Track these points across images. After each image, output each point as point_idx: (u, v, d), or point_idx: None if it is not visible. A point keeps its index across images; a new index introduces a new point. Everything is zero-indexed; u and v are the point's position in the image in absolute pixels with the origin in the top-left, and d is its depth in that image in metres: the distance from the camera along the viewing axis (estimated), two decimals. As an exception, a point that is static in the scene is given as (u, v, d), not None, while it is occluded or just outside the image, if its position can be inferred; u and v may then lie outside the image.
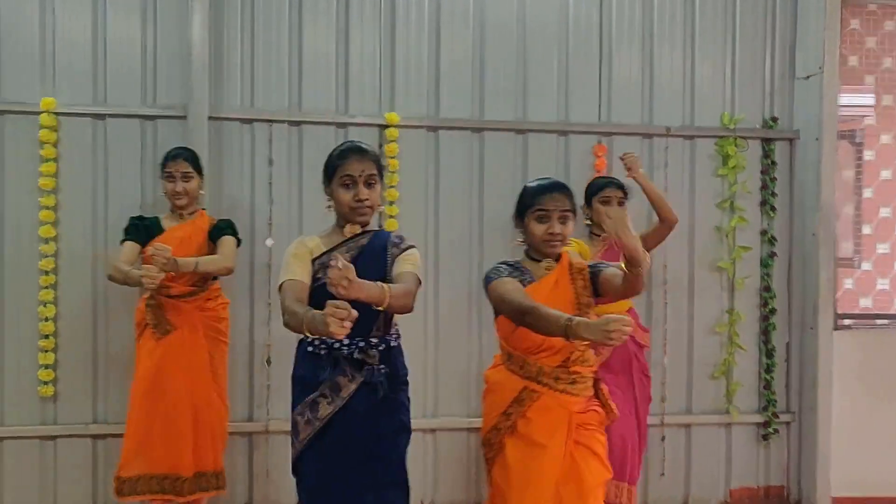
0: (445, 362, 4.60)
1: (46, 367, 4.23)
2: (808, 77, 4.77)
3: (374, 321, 2.79)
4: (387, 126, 4.49)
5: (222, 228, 3.99)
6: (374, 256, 2.82)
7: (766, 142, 4.86)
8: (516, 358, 2.83)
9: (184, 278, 3.85)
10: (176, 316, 3.86)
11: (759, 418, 4.84)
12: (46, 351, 4.23)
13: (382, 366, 2.81)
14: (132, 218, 3.98)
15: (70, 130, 4.28)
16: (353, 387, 2.77)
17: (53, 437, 4.26)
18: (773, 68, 4.89)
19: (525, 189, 2.95)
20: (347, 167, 2.77)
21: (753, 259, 4.85)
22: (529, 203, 2.86)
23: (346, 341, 2.74)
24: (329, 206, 2.91)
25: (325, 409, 2.79)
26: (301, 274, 2.75)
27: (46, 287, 4.22)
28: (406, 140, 4.53)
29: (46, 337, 4.23)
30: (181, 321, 3.86)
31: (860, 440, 4.73)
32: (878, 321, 4.98)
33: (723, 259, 4.81)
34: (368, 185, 2.79)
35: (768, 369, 4.84)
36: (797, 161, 4.85)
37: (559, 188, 2.87)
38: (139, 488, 3.84)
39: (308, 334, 2.58)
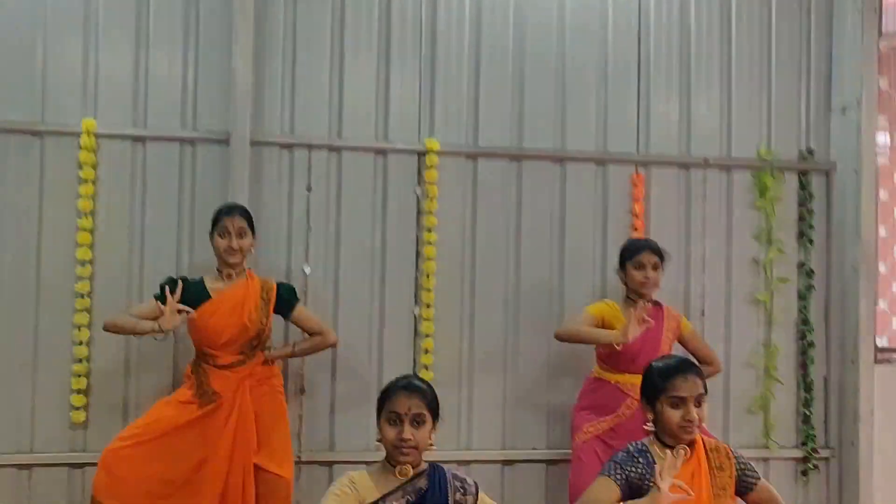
0: (480, 391, 4.54)
1: (79, 391, 4.15)
2: (844, 109, 4.78)
3: None
4: (426, 153, 4.47)
5: (288, 299, 3.87)
6: (436, 502, 2.66)
7: (803, 174, 4.86)
8: None
9: (231, 347, 3.72)
10: (222, 385, 3.69)
11: (797, 453, 4.77)
12: (80, 375, 4.15)
13: None
14: (169, 278, 3.83)
15: (110, 153, 4.25)
16: None
17: (83, 465, 4.16)
18: (808, 100, 4.91)
19: (652, 371, 2.76)
20: (395, 403, 2.63)
21: (791, 291, 4.81)
22: (661, 387, 2.68)
23: None
24: (379, 440, 2.70)
25: None
26: None
27: (82, 310, 4.16)
28: (445, 167, 4.52)
29: (80, 361, 4.16)
30: (227, 390, 3.69)
31: (902, 476, 4.66)
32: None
33: (760, 291, 4.77)
34: (415, 423, 2.63)
35: (806, 403, 4.78)
36: (834, 193, 4.84)
37: (692, 370, 2.72)
38: None
39: None
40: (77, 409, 4.15)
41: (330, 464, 4.36)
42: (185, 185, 4.31)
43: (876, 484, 4.62)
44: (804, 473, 4.77)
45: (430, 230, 4.45)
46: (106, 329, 3.76)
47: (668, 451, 2.65)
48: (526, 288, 4.59)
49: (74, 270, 4.17)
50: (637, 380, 3.79)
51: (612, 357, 4.00)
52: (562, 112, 4.67)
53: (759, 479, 2.75)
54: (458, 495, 2.68)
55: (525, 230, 4.60)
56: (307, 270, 4.39)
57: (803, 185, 4.85)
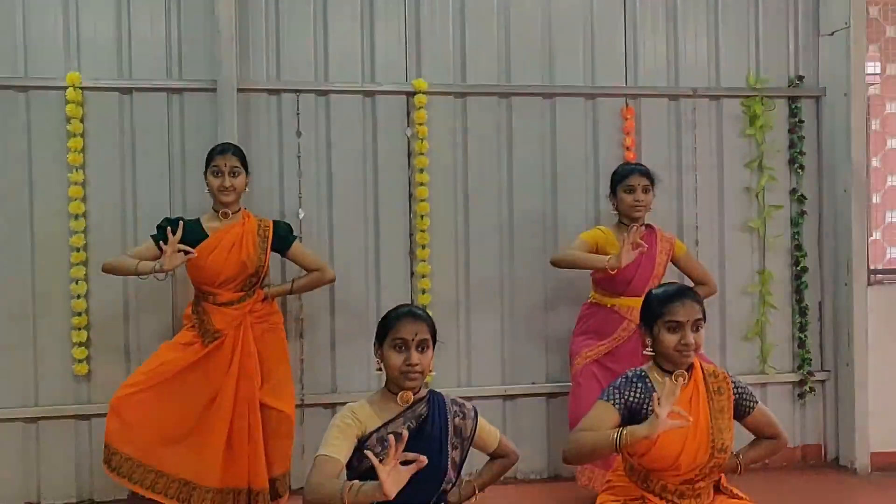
0: (478, 329, 4.58)
1: (80, 344, 4.18)
2: (833, 33, 4.75)
3: (432, 495, 2.64)
4: (414, 93, 4.46)
5: (284, 237, 3.88)
6: (436, 426, 2.66)
7: (793, 100, 4.85)
8: (638, 471, 2.72)
9: (231, 284, 3.76)
10: (223, 323, 3.73)
11: (794, 377, 4.83)
12: (80, 328, 4.18)
13: None
14: (166, 219, 3.83)
15: (96, 105, 4.24)
16: None
17: (88, 417, 4.21)
18: (797, 26, 4.88)
19: (651, 297, 2.78)
20: (401, 329, 2.63)
21: (783, 218, 4.84)
22: (659, 312, 2.69)
23: None
24: (379, 370, 2.72)
25: None
26: (340, 451, 2.53)
27: (78, 264, 4.17)
28: (434, 107, 4.50)
29: (79, 314, 4.18)
30: (229, 327, 3.73)
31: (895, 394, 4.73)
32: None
33: (753, 219, 4.79)
34: (420, 349, 2.64)
35: (802, 328, 4.82)
36: (824, 118, 4.83)
37: (689, 295, 2.72)
38: (135, 476, 3.65)
39: None
40: (79, 361, 4.19)
41: (332, 406, 4.40)
42: (174, 134, 4.30)
43: (871, 403, 4.68)
44: (801, 396, 4.83)
45: (421, 171, 4.45)
46: (105, 271, 3.77)
47: (666, 377, 2.68)
48: (519, 224, 4.61)
49: (68, 224, 4.18)
50: (633, 303, 3.86)
51: (607, 281, 4.04)
52: (549, 47, 4.65)
53: (756, 403, 2.78)
54: (457, 419, 2.71)
55: (516, 167, 4.60)
56: (301, 215, 4.40)
57: (793, 112, 4.84)
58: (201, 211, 3.98)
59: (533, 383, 4.62)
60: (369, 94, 4.47)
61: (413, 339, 2.61)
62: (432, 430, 2.63)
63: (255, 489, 3.71)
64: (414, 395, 2.66)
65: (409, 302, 4.46)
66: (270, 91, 4.39)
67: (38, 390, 4.21)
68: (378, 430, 2.60)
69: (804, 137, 4.83)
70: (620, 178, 4.09)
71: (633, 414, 2.64)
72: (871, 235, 4.87)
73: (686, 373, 2.68)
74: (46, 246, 4.19)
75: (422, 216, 4.46)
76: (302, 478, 4.25)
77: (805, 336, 4.82)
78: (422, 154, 4.45)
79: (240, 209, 3.87)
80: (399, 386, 2.65)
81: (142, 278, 3.73)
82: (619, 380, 2.74)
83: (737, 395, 2.73)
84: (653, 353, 2.74)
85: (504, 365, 4.60)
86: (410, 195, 4.50)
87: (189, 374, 3.70)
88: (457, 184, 4.57)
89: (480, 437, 2.76)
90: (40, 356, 4.20)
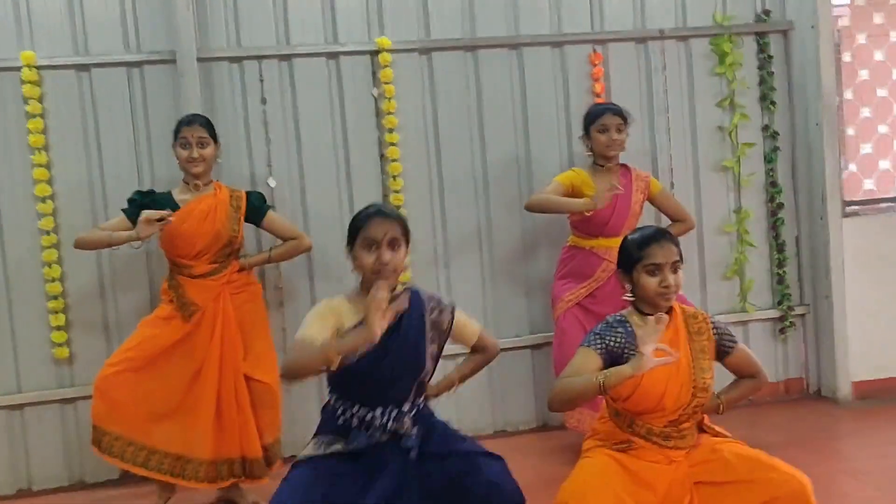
0: (458, 283, 4.57)
1: (58, 328, 4.14)
2: (797, -35, 4.71)
3: (409, 389, 2.64)
4: (378, 52, 4.38)
5: (259, 206, 3.82)
6: (412, 321, 2.64)
7: (760, 36, 4.81)
8: (624, 416, 2.71)
9: (205, 256, 3.70)
10: (200, 296, 3.69)
11: (774, 313, 4.87)
12: (56, 312, 4.14)
13: (415, 429, 2.64)
14: (138, 192, 3.75)
15: (54, 84, 4.15)
16: (373, 441, 2.61)
17: (73, 400, 4.19)
18: (761, -41, 4.83)
19: (628, 242, 2.76)
20: (371, 229, 2.59)
21: (757, 155, 4.83)
22: (637, 256, 2.68)
23: (380, 411, 2.60)
24: (353, 270, 2.68)
25: (340, 446, 2.61)
26: (320, 334, 2.49)
27: (49, 247, 4.11)
28: (399, 65, 4.43)
29: (55, 298, 4.14)
30: (206, 300, 3.69)
31: (875, 324, 4.77)
32: (880, 205, 4.98)
33: (727, 158, 4.78)
34: (392, 248, 2.60)
35: (780, 264, 4.85)
36: (794, 52, 4.80)
37: (666, 237, 2.71)
38: (126, 455, 3.62)
39: (334, 360, 2.36)
40: (59, 345, 4.16)
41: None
42: (137, 108, 4.22)
43: (850, 335, 4.73)
44: (782, 332, 4.88)
45: (391, 130, 4.40)
46: (78, 247, 3.67)
47: (647, 319, 2.67)
48: (493, 177, 4.58)
49: (35, 208, 4.11)
50: (611, 243, 3.87)
51: (585, 223, 4.03)
52: (513, -4, 4.57)
53: (736, 343, 2.79)
54: (434, 314, 2.68)
55: (487, 120, 4.56)
56: (272, 184, 4.35)
57: (762, 48, 4.80)
58: (171, 184, 3.90)
59: (517, 336, 4.63)
60: (333, 55, 4.39)
61: (383, 238, 2.57)
62: (409, 324, 2.62)
63: (248, 457, 3.71)
64: (391, 291, 2.61)
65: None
66: (232, 59, 4.30)
67: (20, 377, 4.18)
68: (355, 326, 2.55)
69: (774, 73, 4.80)
70: (593, 118, 4.04)
71: (615, 359, 2.65)
72: (846, 168, 4.88)
73: (666, 315, 2.68)
74: (15, 231, 4.14)
75: (394, 176, 4.42)
76: (291, 446, 4.32)
77: (784, 272, 4.85)
78: (390, 113, 4.39)
79: (211, 181, 3.81)
80: (372, 284, 2.59)
81: (115, 249, 3.71)
82: (600, 325, 2.74)
83: (717, 337, 2.75)
84: (632, 299, 2.75)
85: (487, 318, 4.58)
86: (382, 156, 4.45)
87: (173, 349, 3.67)
88: (428, 141, 4.52)
89: (458, 330, 2.76)
90: (19, 343, 4.17)
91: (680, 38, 4.73)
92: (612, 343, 2.67)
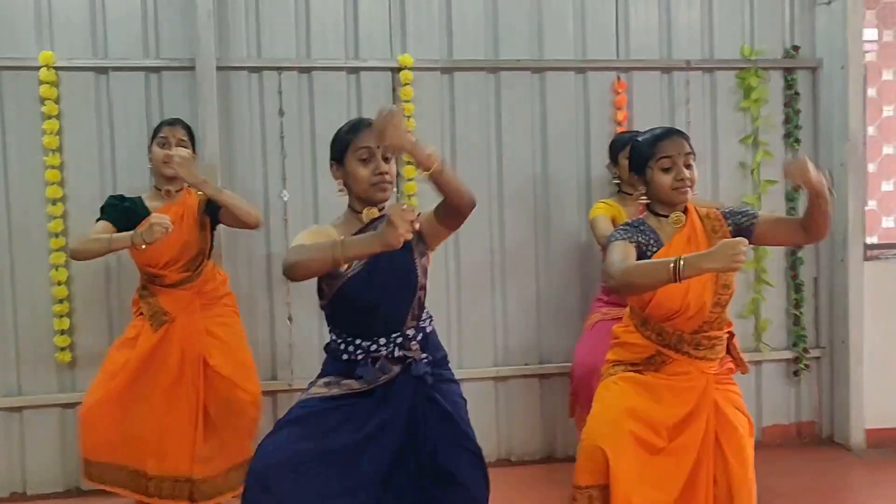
0: (468, 312, 4.50)
1: (62, 332, 4.10)
2: (829, 2, 4.62)
3: (407, 310, 2.54)
4: (400, 69, 4.33)
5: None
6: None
7: (788, 72, 4.73)
8: (652, 324, 2.64)
9: (175, 266, 3.59)
10: (172, 305, 3.59)
11: (789, 355, 4.77)
12: (62, 316, 4.10)
13: (425, 355, 2.55)
14: (111, 197, 3.67)
15: (71, 86, 4.11)
16: (383, 377, 2.50)
17: (73, 405, 4.12)
18: (792, -5, 4.75)
19: (637, 142, 2.72)
20: (364, 139, 2.47)
21: (778, 193, 4.74)
22: (649, 153, 2.64)
23: (383, 340, 2.49)
24: (341, 191, 2.56)
25: (352, 387, 2.50)
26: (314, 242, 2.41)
27: (57, 250, 4.08)
28: (420, 83, 4.38)
29: (61, 301, 4.09)
30: (178, 310, 3.58)
31: (891, 371, 4.67)
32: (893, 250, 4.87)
33: (747, 195, 4.70)
34: (386, 159, 2.50)
35: (797, 305, 4.75)
36: (821, 90, 4.72)
37: (676, 132, 2.69)
38: (120, 480, 3.55)
39: (343, 262, 2.25)
40: (62, 349, 4.11)
41: (321, 390, 4.35)
42: (153, 114, 4.17)
43: (865, 381, 4.63)
44: (796, 374, 4.77)
45: (408, 149, 4.34)
46: (77, 258, 3.53)
47: (663, 220, 2.65)
48: (510, 203, 4.51)
49: (45, 210, 4.07)
50: None
51: None
52: (538, 20, 4.51)
53: (755, 215, 2.65)
54: (417, 226, 2.50)
55: (506, 144, 4.50)
56: (285, 197, 4.30)
57: (789, 84, 4.73)
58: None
59: (526, 364, 4.55)
60: (353, 70, 4.35)
61: (378, 147, 2.45)
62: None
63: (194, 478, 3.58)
64: (379, 211, 2.54)
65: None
66: (251, 69, 4.26)
67: (20, 379, 4.14)
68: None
69: (800, 111, 4.72)
70: (621, 145, 3.94)
71: (640, 256, 2.59)
72: (866, 205, 4.78)
73: (683, 214, 2.65)
74: (24, 232, 4.10)
75: (409, 196, 4.36)
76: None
77: (800, 313, 4.75)
78: (409, 132, 4.32)
79: (182, 187, 3.67)
80: (369, 200, 2.52)
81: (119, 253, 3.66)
82: (623, 226, 2.70)
83: (731, 226, 2.64)
84: (647, 202, 2.70)
85: (496, 345, 4.53)
86: (398, 174, 4.38)
87: (148, 368, 3.54)
88: (445, 162, 4.44)
89: (425, 220, 2.53)
90: (22, 345, 4.13)
91: (706, 69, 4.66)
92: (641, 239, 2.63)
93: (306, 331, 4.35)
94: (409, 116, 4.33)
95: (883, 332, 4.65)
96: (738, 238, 2.27)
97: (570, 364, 4.45)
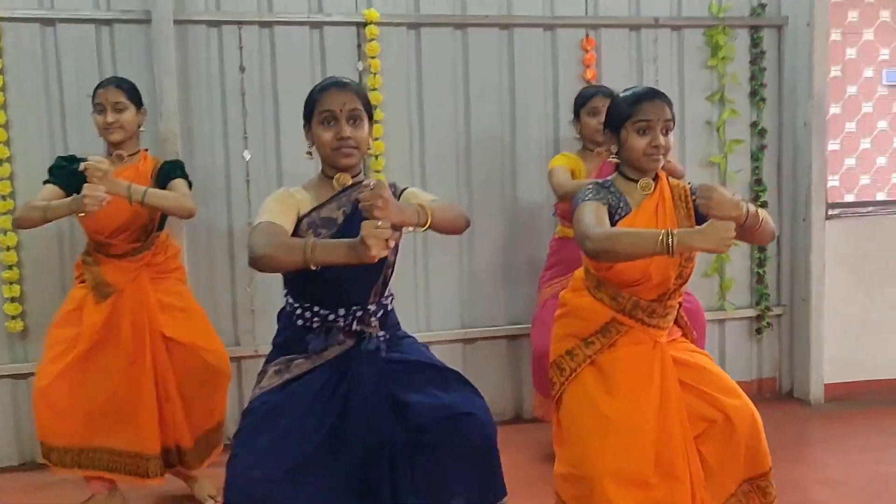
0: (435, 275, 4.43)
1: (12, 300, 3.90)
2: (795, -40, 4.61)
3: (371, 286, 2.44)
4: (365, 24, 4.18)
5: (169, 171, 3.42)
6: None
7: (755, 30, 4.71)
8: (608, 289, 2.57)
9: (124, 234, 3.36)
10: (117, 277, 3.35)
11: (752, 313, 4.83)
12: (11, 283, 3.90)
13: (383, 332, 2.46)
14: (59, 158, 3.41)
15: (15, 38, 3.87)
16: (337, 350, 2.40)
17: (26, 375, 3.95)
18: (759, -48, 4.72)
19: (619, 99, 2.61)
20: (327, 101, 2.36)
21: (744, 152, 4.75)
22: (626, 113, 2.52)
23: (342, 311, 2.39)
24: (309, 153, 2.46)
25: (301, 366, 2.39)
26: (283, 220, 2.29)
27: (4, 213, 3.86)
28: (386, 39, 4.23)
29: (10, 268, 3.89)
30: (124, 282, 3.35)
31: (850, 327, 4.76)
32: (862, 209, 4.94)
33: (714, 153, 4.70)
34: (352, 122, 2.36)
35: (760, 263, 4.80)
36: (786, 49, 4.71)
37: (660, 96, 2.56)
38: (83, 461, 3.35)
39: (313, 265, 2.11)
40: (13, 317, 3.92)
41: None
42: (106, 71, 3.94)
43: (826, 338, 4.72)
44: (758, 332, 4.84)
45: (374, 107, 4.19)
46: (18, 227, 3.30)
47: (632, 185, 2.57)
48: (477, 160, 4.43)
49: (-8, 171, 3.85)
50: None
51: (572, 213, 3.90)
52: (506, -27, 4.40)
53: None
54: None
55: (473, 100, 4.40)
56: (247, 156, 4.14)
57: (755, 43, 4.71)
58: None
59: (493, 325, 4.51)
60: (317, 25, 4.18)
61: (342, 110, 2.34)
62: None
63: (182, 447, 3.46)
64: (353, 177, 2.44)
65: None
66: (210, 23, 4.05)
67: (-31, 350, 3.94)
68: (309, 213, 2.35)
69: (766, 69, 4.72)
70: (584, 100, 3.89)
71: (608, 218, 2.52)
72: (843, 164, 4.84)
73: (652, 181, 2.57)
74: (-31, 195, 3.87)
75: (376, 156, 4.23)
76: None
77: (763, 271, 4.80)
78: (374, 89, 4.19)
79: (138, 151, 3.44)
80: (333, 165, 2.41)
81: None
82: (591, 185, 2.60)
83: (694, 198, 2.56)
84: (617, 161, 2.61)
85: (462, 306, 4.47)
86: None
87: (101, 345, 3.34)
88: (412, 120, 4.34)
89: (409, 200, 2.44)
90: (-31, 313, 3.92)
91: (674, 27, 4.61)
92: (611, 200, 2.55)
93: (269, 294, 4.21)
94: (375, 73, 4.19)
95: (843, 289, 4.73)
96: (729, 221, 2.21)
97: (538, 324, 4.48)
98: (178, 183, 3.40)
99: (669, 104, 2.56)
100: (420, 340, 2.66)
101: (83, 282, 3.41)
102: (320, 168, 2.48)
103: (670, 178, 2.65)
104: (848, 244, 4.74)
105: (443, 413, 2.33)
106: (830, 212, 4.71)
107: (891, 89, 5.12)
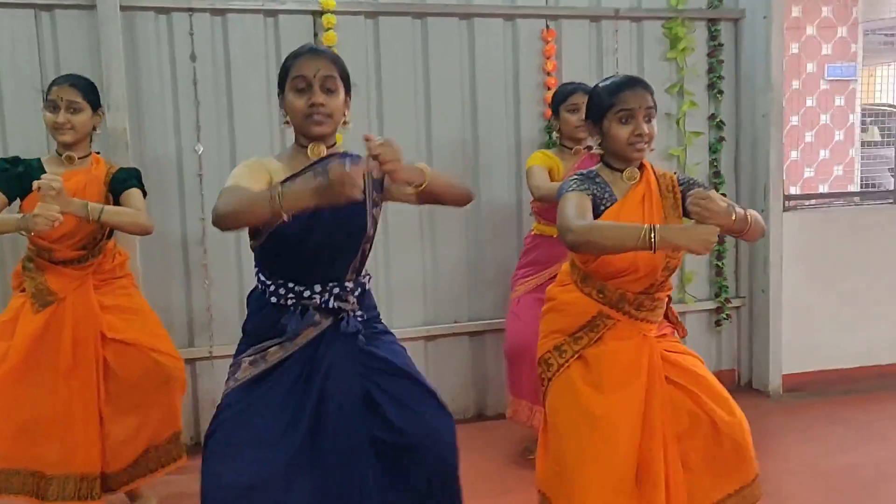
0: (397, 270, 4.32)
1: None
2: (753, -47, 4.62)
3: (349, 261, 2.33)
4: (322, 13, 4.04)
5: (124, 180, 3.21)
6: None
7: (712, 22, 4.71)
8: (593, 281, 2.50)
9: (69, 241, 3.14)
10: (61, 284, 3.14)
11: (711, 305, 4.84)
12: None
13: (360, 312, 2.36)
14: (1, 160, 3.17)
15: (-53, 24, 3.63)
16: (313, 333, 2.29)
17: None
18: (717, -55, 4.72)
19: (599, 89, 2.54)
20: (300, 66, 2.24)
21: (703, 144, 4.75)
22: (608, 103, 2.46)
23: (318, 288, 2.28)
24: (286, 122, 2.33)
25: (275, 354, 2.28)
26: (252, 185, 2.14)
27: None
28: (343, 28, 4.10)
29: (-54, 269, 3.66)
30: (67, 290, 3.14)
31: (808, 318, 4.82)
32: (810, 201, 5.01)
33: (674, 146, 4.69)
34: (327, 90, 2.25)
35: (719, 256, 4.81)
36: (744, 41, 4.73)
37: (640, 83, 2.51)
38: (15, 485, 3.10)
39: (284, 215, 1.98)
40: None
41: (244, 356, 4.10)
42: (46, 60, 3.74)
43: (785, 329, 4.76)
44: (717, 324, 4.86)
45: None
46: None
47: (616, 175, 2.51)
48: (438, 152, 4.33)
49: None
50: None
51: (549, 210, 3.78)
52: (465, -38, 4.30)
53: (701, 186, 2.54)
54: (374, 172, 2.25)
55: (434, 92, 4.30)
56: (199, 150, 3.97)
57: (713, 35, 4.71)
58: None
59: (455, 321, 4.43)
60: (271, 13, 4.03)
61: (315, 76, 2.23)
62: None
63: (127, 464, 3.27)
64: (328, 148, 2.32)
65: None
66: (158, 9, 3.87)
67: None
68: (283, 183, 2.16)
69: (723, 61, 4.72)
70: (563, 97, 3.79)
71: (594, 210, 2.46)
72: (789, 157, 4.88)
73: (637, 170, 2.52)
74: None
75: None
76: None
77: (722, 264, 4.82)
78: (332, 81, 4.06)
79: (90, 153, 3.23)
80: (306, 135, 2.28)
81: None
82: (576, 176, 2.54)
83: (682, 187, 2.54)
84: (601, 153, 2.56)
85: (426, 302, 4.38)
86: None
87: (37, 356, 3.11)
88: (370, 111, 4.22)
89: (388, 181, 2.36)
90: None
91: (634, 18, 4.58)
92: (595, 191, 2.49)
93: (225, 293, 4.07)
94: (332, 64, 4.06)
95: (801, 280, 4.78)
96: (713, 227, 2.18)
97: (500, 320, 4.41)
98: (134, 195, 3.22)
99: (650, 91, 2.51)
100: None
101: (23, 290, 3.19)
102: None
103: (655, 169, 2.60)
104: (804, 235, 4.78)
105: (412, 438, 2.30)
106: (787, 203, 4.75)
107: (832, 84, 5.22)
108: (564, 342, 2.54)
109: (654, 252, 2.23)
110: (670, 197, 2.52)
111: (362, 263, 2.40)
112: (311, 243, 2.19)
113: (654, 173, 2.57)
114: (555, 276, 3.73)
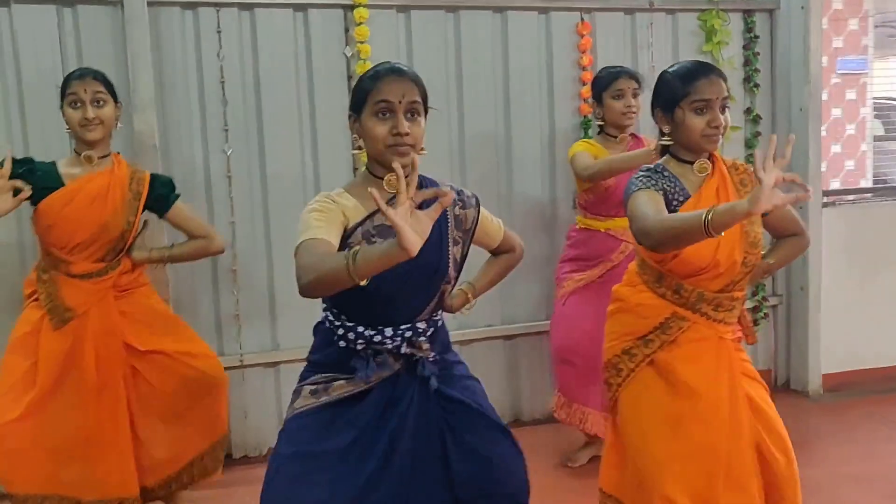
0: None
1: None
2: (788, -59, 4.50)
3: (426, 304, 2.15)
4: (353, 7, 3.89)
5: (165, 196, 3.09)
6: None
7: (748, 14, 4.59)
8: (669, 281, 2.38)
9: (87, 251, 2.96)
10: (79, 300, 2.97)
11: (748, 304, 4.68)
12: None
13: (433, 353, 2.18)
14: (16, 162, 2.91)
15: (-34, 20, 3.46)
16: (385, 374, 2.13)
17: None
18: (753, -66, 4.60)
19: (668, 76, 2.41)
20: (384, 90, 2.03)
21: (739, 140, 4.63)
22: (682, 92, 2.33)
23: (389, 332, 2.10)
24: (359, 147, 2.12)
25: (341, 389, 2.12)
26: (329, 234, 1.97)
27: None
28: (375, 23, 3.95)
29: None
30: (86, 305, 2.98)
31: (847, 316, 4.71)
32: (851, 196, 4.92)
33: (710, 142, 4.57)
34: (411, 115, 2.06)
35: (756, 253, 4.70)
36: (779, 33, 4.61)
37: (715, 71, 2.37)
38: None
39: (361, 281, 1.79)
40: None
41: (275, 364, 3.96)
42: (69, 57, 3.57)
43: (823, 327, 4.65)
44: (755, 323, 4.74)
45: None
46: None
47: (687, 167, 2.39)
48: (471, 148, 4.20)
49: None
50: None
51: (600, 203, 3.67)
52: (498, -46, 4.16)
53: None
54: (457, 209, 2.20)
55: (466, 87, 4.16)
56: (228, 151, 3.82)
57: (749, 27, 4.59)
58: (122, 150, 3.25)
59: (488, 325, 4.30)
60: (301, 7, 3.88)
61: (400, 102, 2.03)
62: None
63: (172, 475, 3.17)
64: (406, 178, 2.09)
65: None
66: (185, 4, 3.72)
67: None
68: (363, 222, 2.05)
69: (759, 54, 4.61)
70: (607, 82, 3.63)
71: (666, 206, 2.33)
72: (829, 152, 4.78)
73: (708, 162, 2.40)
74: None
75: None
76: (244, 445, 3.86)
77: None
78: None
79: (109, 153, 3.04)
80: (385, 165, 2.06)
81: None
82: (642, 172, 2.40)
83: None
84: (669, 143, 2.42)
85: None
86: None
87: (64, 376, 2.97)
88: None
89: (483, 228, 2.28)
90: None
91: (668, 11, 4.46)
92: (666, 186, 2.36)
93: (254, 301, 3.92)
94: (364, 60, 3.91)
95: (840, 276, 4.67)
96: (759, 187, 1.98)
97: (534, 323, 4.29)
98: (183, 210, 3.15)
99: (725, 80, 2.39)
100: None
101: (37, 300, 3.01)
102: (364, 168, 2.16)
103: (725, 159, 2.47)
104: (843, 231, 4.67)
105: (486, 490, 2.18)
106: (826, 199, 4.64)
107: (844, 77, 5.12)
108: (634, 345, 2.44)
109: (710, 235, 2.05)
110: (745, 192, 2.38)
111: (439, 305, 2.21)
112: (386, 288, 2.01)
113: (725, 164, 2.46)
114: (604, 277, 3.65)
